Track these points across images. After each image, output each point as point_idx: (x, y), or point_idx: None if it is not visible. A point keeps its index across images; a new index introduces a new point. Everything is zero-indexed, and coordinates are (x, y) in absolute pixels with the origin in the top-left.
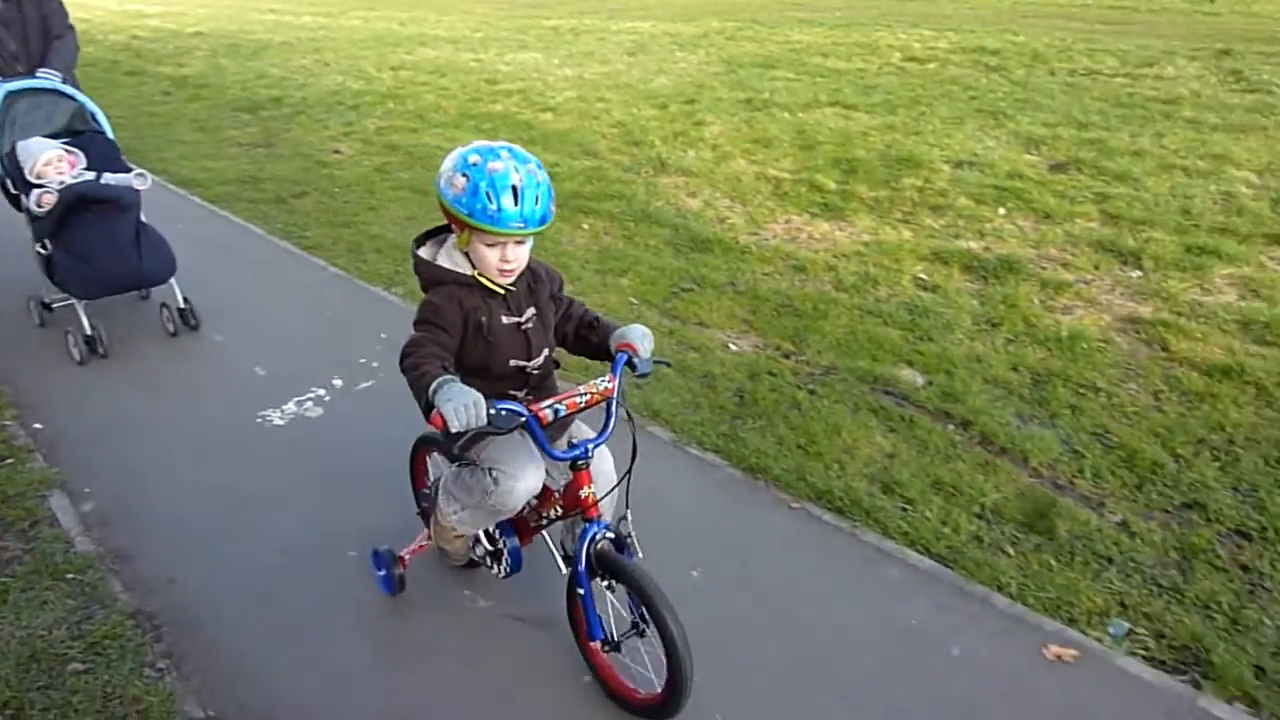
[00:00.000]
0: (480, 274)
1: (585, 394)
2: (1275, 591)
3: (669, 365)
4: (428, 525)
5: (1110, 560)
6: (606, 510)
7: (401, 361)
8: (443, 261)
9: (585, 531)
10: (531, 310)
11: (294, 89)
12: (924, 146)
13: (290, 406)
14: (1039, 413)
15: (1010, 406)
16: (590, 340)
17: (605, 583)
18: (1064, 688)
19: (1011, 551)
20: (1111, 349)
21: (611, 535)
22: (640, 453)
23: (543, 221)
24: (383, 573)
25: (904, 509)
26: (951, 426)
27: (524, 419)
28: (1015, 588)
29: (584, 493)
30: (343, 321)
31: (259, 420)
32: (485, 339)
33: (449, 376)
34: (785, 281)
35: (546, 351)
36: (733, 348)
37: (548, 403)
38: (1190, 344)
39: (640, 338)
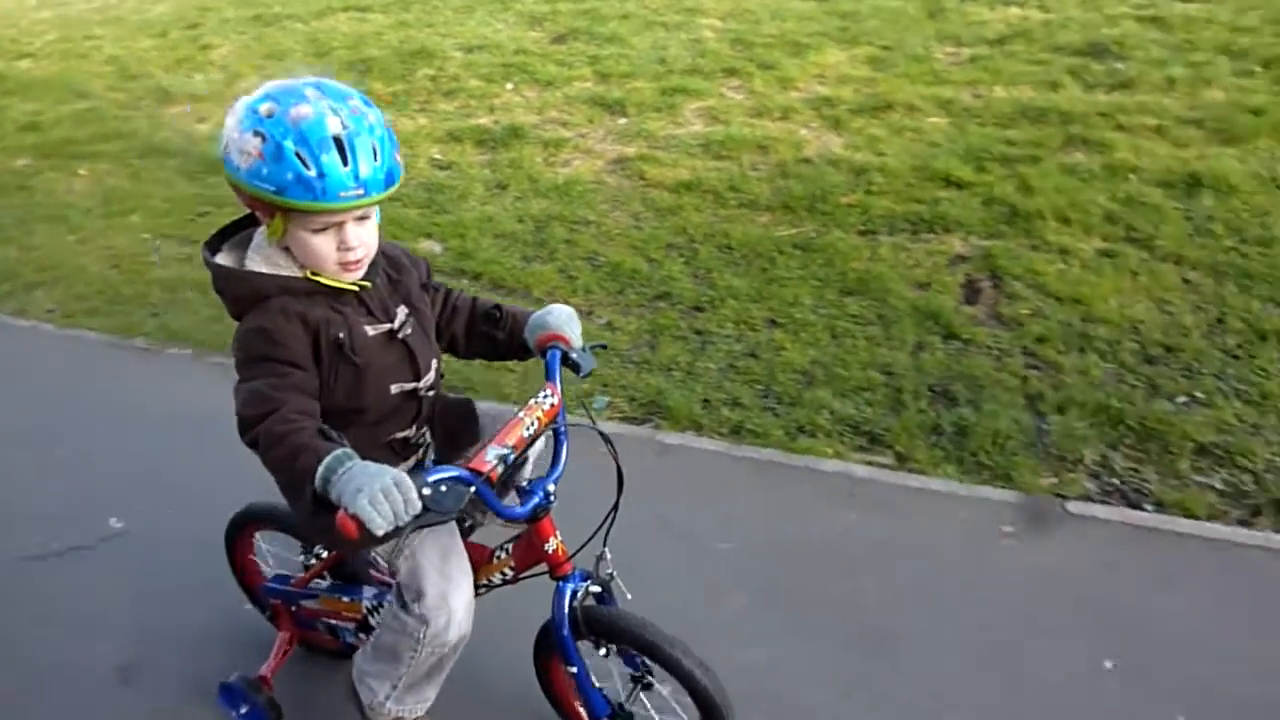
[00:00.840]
0: (313, 273)
1: (531, 421)
2: (719, 344)
3: (604, 346)
4: (280, 627)
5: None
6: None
7: (245, 432)
8: (256, 265)
9: (561, 590)
10: (404, 310)
11: None
12: (436, 38)
13: None
14: (540, 252)
15: (517, 252)
16: (494, 338)
17: (602, 650)
18: None
19: (515, 369)
20: (602, 188)
21: (596, 588)
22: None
23: (390, 182)
24: (244, 710)
25: None
26: (467, 280)
27: (472, 487)
28: (515, 395)
29: (550, 545)
30: None
31: None
32: (351, 362)
33: (340, 450)
34: None
35: (435, 363)
36: None
37: (492, 452)
38: (662, 170)
39: (567, 321)
